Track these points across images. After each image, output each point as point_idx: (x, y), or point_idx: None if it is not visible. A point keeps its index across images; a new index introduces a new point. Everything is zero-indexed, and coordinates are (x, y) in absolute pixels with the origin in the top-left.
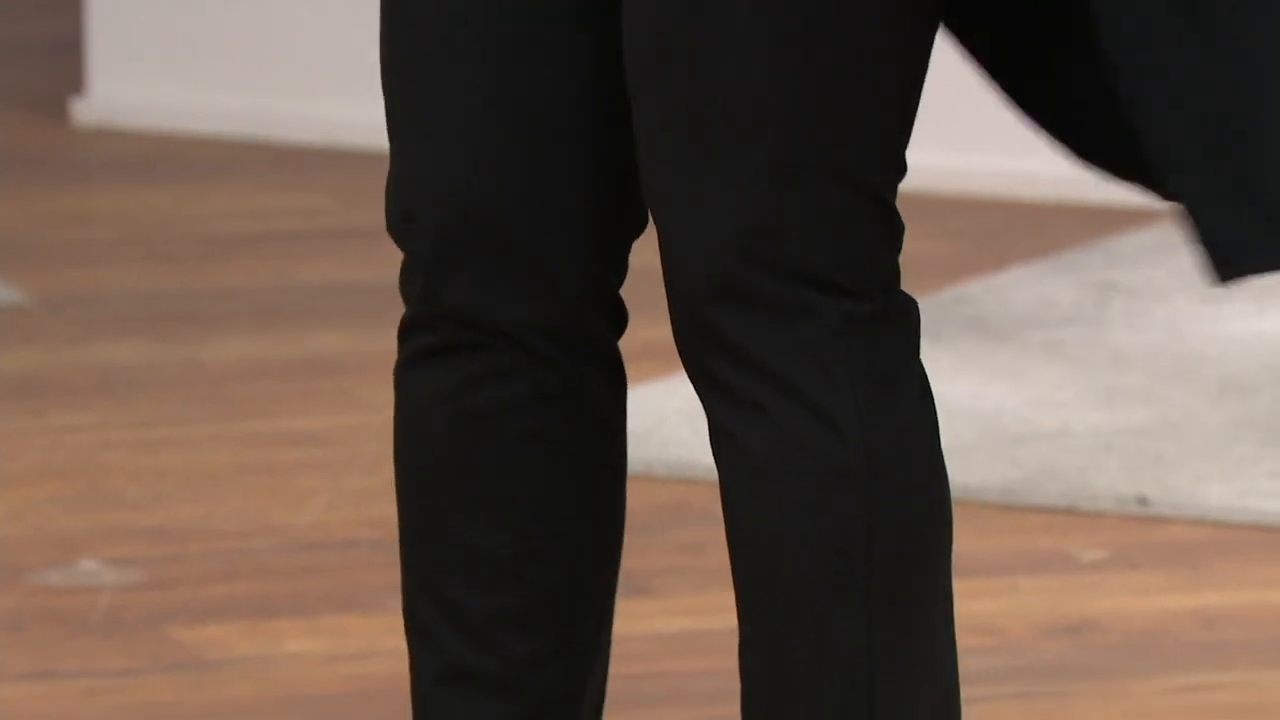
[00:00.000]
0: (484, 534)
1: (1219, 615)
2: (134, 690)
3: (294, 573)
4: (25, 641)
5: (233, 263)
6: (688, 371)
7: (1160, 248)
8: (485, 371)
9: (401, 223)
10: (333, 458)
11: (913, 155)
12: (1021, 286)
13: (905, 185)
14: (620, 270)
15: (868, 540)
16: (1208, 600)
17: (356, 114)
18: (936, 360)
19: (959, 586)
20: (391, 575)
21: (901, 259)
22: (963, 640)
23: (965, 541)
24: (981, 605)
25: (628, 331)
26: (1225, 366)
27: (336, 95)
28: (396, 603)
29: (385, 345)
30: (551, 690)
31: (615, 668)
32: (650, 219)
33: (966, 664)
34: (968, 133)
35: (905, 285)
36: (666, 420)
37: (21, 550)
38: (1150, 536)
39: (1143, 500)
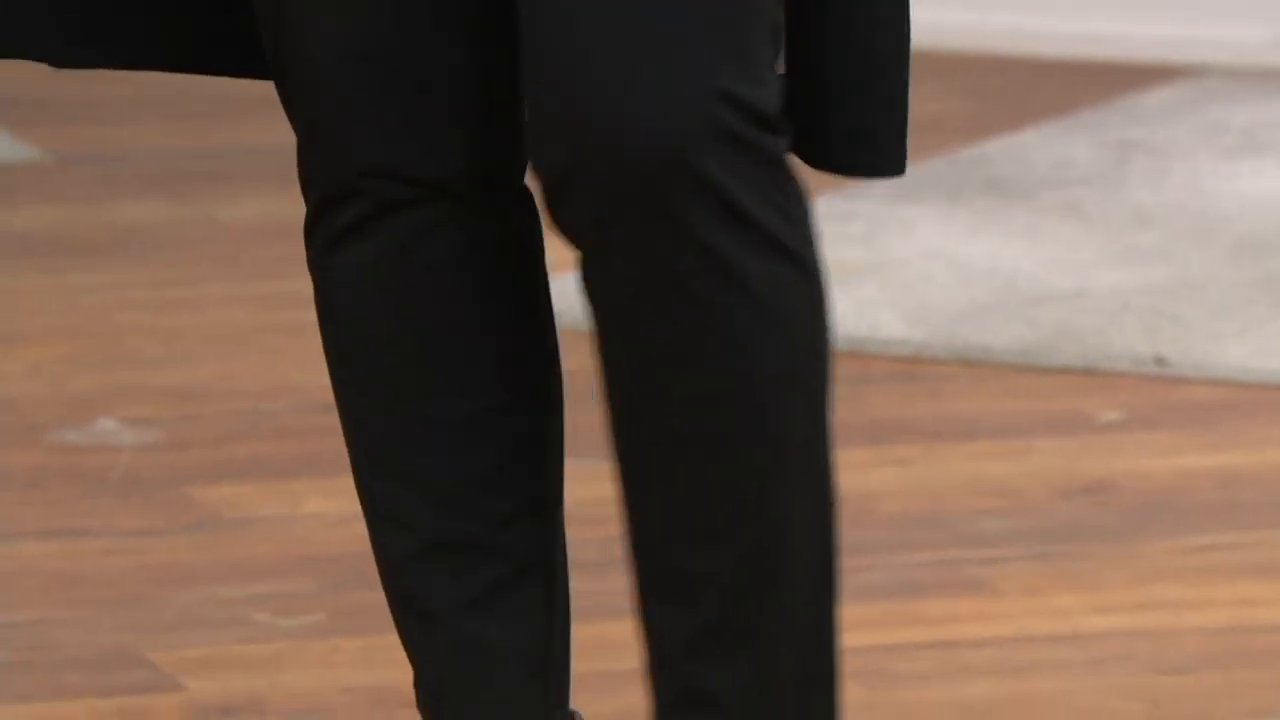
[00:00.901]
0: (442, 399)
1: (1236, 475)
2: (153, 550)
3: (312, 433)
4: (44, 500)
5: (251, 122)
6: (629, 253)
7: (1180, 105)
8: (419, 229)
9: (310, 92)
10: None
11: (929, 12)
12: (1040, 146)
13: (921, 43)
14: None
15: (826, 366)
16: (1225, 460)
17: None
18: (953, 221)
19: (975, 448)
20: None
21: (919, 119)
22: (979, 502)
23: (982, 403)
24: (998, 467)
25: None
26: (1245, 225)
27: None
28: None
29: None
30: (529, 548)
31: (598, 530)
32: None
33: (982, 526)
34: None
35: (923, 145)
36: None
37: (40, 408)
38: (1168, 397)
39: (1160, 360)
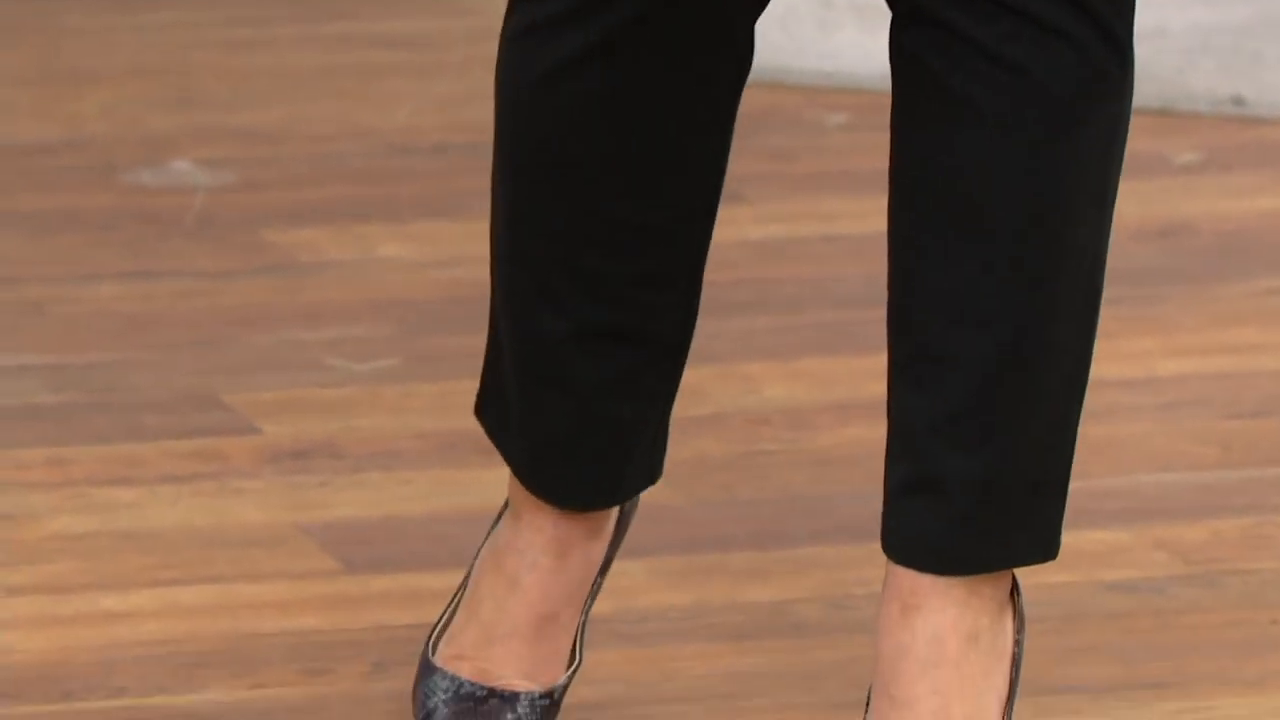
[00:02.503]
0: (631, 205)
1: None
2: (227, 292)
3: (384, 177)
4: (119, 241)
5: None
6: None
7: None
8: (633, 33)
9: None
10: (421, 61)
11: None
12: None
13: None
14: None
15: (1119, 163)
16: None
17: None
18: None
19: None
20: (480, 180)
21: None
22: None
23: None
24: None
25: None
26: None
27: None
28: (485, 207)
29: None
30: (673, 333)
31: (707, 275)
32: None
33: None
34: None
35: None
36: (757, 24)
37: (114, 149)
38: (1245, 137)
39: (1239, 101)
